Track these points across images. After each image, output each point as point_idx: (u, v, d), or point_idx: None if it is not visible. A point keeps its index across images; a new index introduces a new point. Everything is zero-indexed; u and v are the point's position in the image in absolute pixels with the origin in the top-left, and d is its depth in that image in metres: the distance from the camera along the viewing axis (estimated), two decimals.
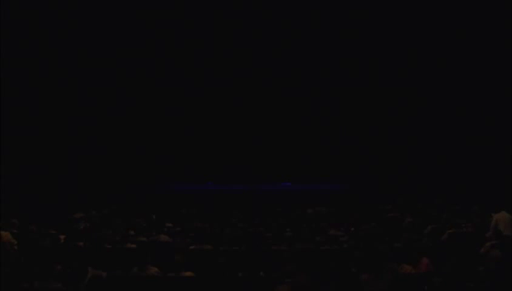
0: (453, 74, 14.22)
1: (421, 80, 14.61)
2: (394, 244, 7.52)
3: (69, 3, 14.05)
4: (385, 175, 14.14)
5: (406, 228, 8.56)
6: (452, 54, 14.18)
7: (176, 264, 6.16)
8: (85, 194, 12.34)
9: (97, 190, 12.89)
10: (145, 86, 15.20)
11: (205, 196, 13.96)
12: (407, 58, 14.62)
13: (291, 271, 5.64)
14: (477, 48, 13.77)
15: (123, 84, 14.99)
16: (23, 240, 7.56)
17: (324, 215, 10.34)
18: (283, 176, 15.28)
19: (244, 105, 15.41)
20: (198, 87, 15.41)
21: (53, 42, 14.05)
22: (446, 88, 14.33)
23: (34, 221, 8.62)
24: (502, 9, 12.91)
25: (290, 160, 15.15)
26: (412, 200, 10.97)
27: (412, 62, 14.59)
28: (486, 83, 13.64)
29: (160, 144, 15.17)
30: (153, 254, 6.59)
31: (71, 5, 14.06)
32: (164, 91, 15.33)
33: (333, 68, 15.20)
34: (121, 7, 14.64)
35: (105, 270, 6.00)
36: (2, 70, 12.94)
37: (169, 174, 14.95)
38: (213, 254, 7.07)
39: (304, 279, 5.26)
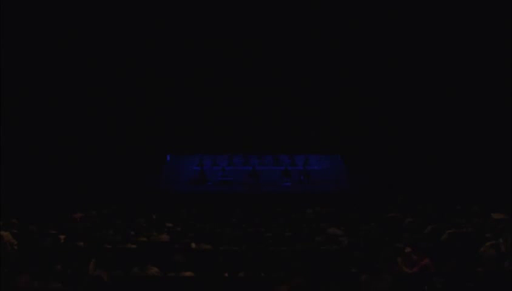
0: (454, 74, 14.22)
1: (421, 80, 14.62)
2: (394, 244, 7.51)
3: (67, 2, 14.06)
4: (385, 175, 14.15)
5: (406, 228, 8.56)
6: (451, 54, 14.18)
7: (176, 264, 6.16)
8: (85, 194, 12.34)
9: (97, 189, 12.89)
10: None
11: (205, 196, 13.98)
12: (407, 58, 14.62)
13: (291, 271, 5.63)
14: (476, 48, 13.77)
15: (121, 82, 15.01)
16: (23, 240, 7.55)
17: (324, 215, 10.35)
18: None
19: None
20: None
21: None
22: (447, 89, 14.33)
23: (34, 221, 8.62)
24: (502, 9, 12.91)
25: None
26: (412, 200, 10.97)
27: (412, 62, 14.59)
28: (487, 83, 13.65)
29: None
30: (153, 254, 6.59)
31: (70, 4, 14.06)
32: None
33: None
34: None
35: (105, 270, 6.00)
36: (2, 69, 12.95)
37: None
38: (213, 254, 7.06)
39: (304, 279, 5.26)
